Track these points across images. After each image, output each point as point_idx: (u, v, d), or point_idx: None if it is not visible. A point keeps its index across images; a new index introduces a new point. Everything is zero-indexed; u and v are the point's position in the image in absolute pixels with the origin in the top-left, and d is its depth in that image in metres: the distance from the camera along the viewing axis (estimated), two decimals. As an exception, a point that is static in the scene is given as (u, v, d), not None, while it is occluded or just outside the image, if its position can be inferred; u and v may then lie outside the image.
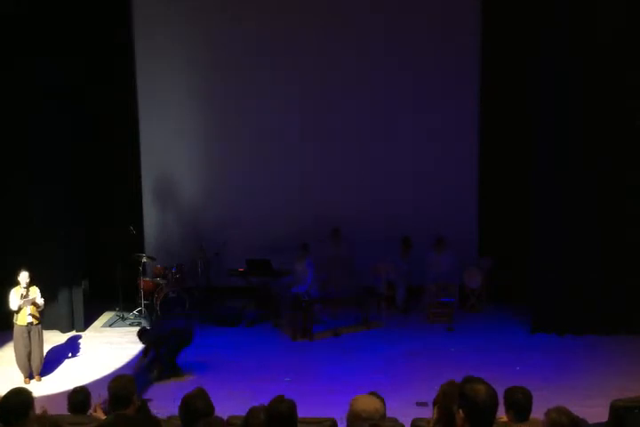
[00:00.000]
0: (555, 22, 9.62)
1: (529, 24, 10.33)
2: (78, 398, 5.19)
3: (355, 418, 3.46)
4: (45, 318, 9.27)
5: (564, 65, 9.62)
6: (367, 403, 3.51)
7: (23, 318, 8.52)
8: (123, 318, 11.11)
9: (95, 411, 5.23)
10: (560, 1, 9.64)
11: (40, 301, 8.63)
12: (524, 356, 9.33)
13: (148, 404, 5.01)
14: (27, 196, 10.23)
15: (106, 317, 11.31)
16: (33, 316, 8.55)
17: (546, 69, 9.72)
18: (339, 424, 5.09)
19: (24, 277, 8.46)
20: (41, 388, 8.25)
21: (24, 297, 8.44)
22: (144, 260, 11.30)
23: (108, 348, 9.96)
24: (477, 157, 11.88)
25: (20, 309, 8.47)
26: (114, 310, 11.45)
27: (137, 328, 10.65)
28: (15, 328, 8.58)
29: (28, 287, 8.49)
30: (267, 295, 11.22)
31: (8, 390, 4.34)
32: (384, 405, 3.63)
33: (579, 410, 4.48)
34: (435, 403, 3.75)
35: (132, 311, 11.26)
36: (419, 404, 7.13)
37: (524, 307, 10.68)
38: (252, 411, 4.18)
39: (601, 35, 9.42)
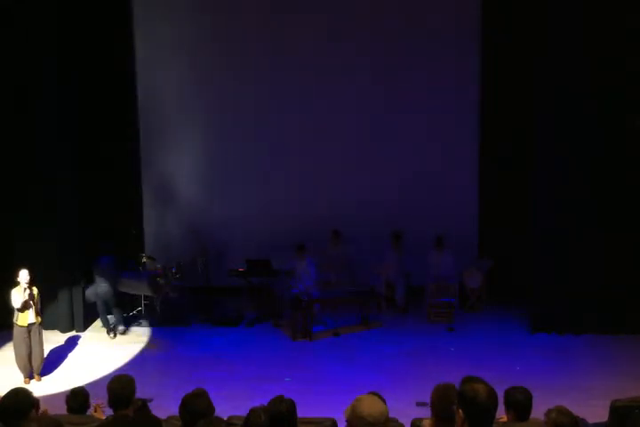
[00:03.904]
0: (563, 22, 9.59)
1: (531, 24, 10.32)
2: (77, 398, 5.19)
3: (360, 422, 3.40)
4: (45, 318, 9.28)
5: (570, 65, 9.60)
6: (372, 406, 3.44)
7: (24, 319, 8.51)
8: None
9: (95, 411, 5.24)
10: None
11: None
12: (523, 356, 9.33)
13: (148, 404, 5.01)
14: (27, 195, 10.23)
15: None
16: (35, 315, 8.56)
17: (552, 69, 9.72)
18: (339, 424, 5.09)
19: (24, 275, 8.45)
20: (41, 388, 8.24)
21: (29, 295, 8.45)
22: (144, 260, 11.30)
23: (108, 348, 9.96)
24: (478, 157, 11.87)
25: (24, 307, 8.45)
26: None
27: (137, 328, 10.73)
28: (15, 329, 8.56)
29: (30, 286, 8.49)
30: (267, 295, 11.23)
31: (8, 390, 4.34)
32: (386, 406, 3.61)
33: (579, 410, 4.49)
34: (430, 406, 3.74)
35: (132, 311, 11.26)
36: (419, 404, 7.11)
37: (524, 307, 10.68)
38: (252, 411, 4.19)
39: (610, 34, 9.41)
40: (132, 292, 11.05)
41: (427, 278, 11.17)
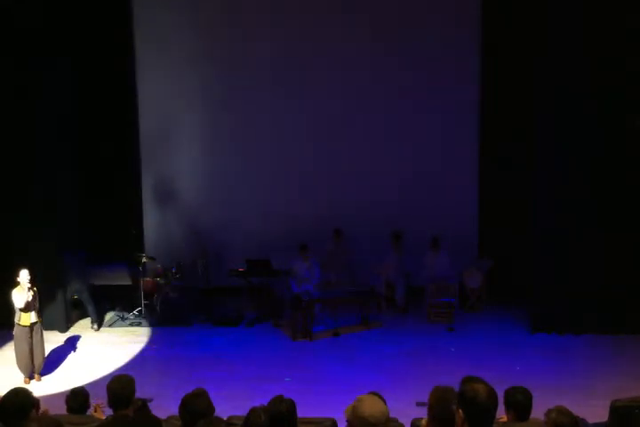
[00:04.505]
0: (563, 22, 9.59)
1: (531, 24, 10.31)
2: (77, 398, 5.19)
3: (361, 422, 3.39)
4: (45, 318, 9.28)
5: (570, 65, 9.60)
6: (374, 406, 3.42)
7: (27, 319, 8.50)
8: (123, 318, 11.12)
9: (95, 411, 5.24)
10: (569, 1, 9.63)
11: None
12: (523, 356, 9.34)
13: (148, 404, 5.01)
14: (27, 196, 10.23)
15: (106, 317, 11.31)
16: (37, 315, 8.58)
17: (552, 69, 9.72)
18: (339, 424, 5.09)
19: (24, 275, 8.45)
20: (41, 388, 8.25)
21: (33, 296, 8.47)
22: (144, 260, 11.31)
23: (108, 348, 9.96)
24: (478, 157, 11.88)
25: (27, 308, 8.44)
26: (114, 309, 11.46)
27: (137, 328, 10.74)
28: (17, 329, 8.55)
29: (32, 286, 8.48)
30: (267, 295, 11.23)
31: (8, 390, 4.34)
32: (387, 406, 3.60)
33: (579, 410, 4.49)
34: (427, 408, 3.74)
35: (131, 311, 11.27)
36: (419, 404, 7.10)
37: (524, 307, 10.68)
38: (252, 411, 4.18)
39: (610, 34, 9.41)
40: (110, 283, 11.02)
41: (422, 279, 11.17)
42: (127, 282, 11.07)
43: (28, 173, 10.21)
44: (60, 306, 10.51)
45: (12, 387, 4.41)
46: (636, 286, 9.81)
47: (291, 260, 10.93)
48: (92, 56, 11.24)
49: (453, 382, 3.71)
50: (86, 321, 10.98)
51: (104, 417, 4.98)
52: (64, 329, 10.55)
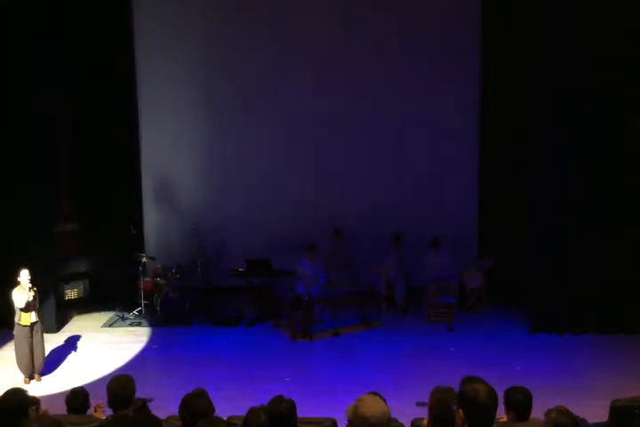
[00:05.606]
0: (563, 22, 9.58)
1: (531, 24, 10.32)
2: (77, 398, 5.20)
3: (362, 422, 3.38)
4: (45, 319, 9.27)
5: (570, 65, 9.60)
6: (375, 406, 3.40)
7: (27, 319, 8.50)
8: (123, 318, 11.12)
9: (95, 411, 5.24)
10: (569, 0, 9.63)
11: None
12: (524, 356, 9.34)
13: (148, 404, 5.01)
14: (27, 196, 10.23)
15: (106, 317, 11.31)
16: (37, 315, 8.57)
17: (552, 69, 9.72)
18: (339, 424, 5.09)
19: (25, 275, 8.44)
20: (41, 388, 8.25)
21: (34, 296, 8.47)
22: (144, 260, 11.30)
23: (108, 348, 9.95)
24: (478, 157, 11.87)
25: (27, 307, 8.43)
26: (114, 309, 11.46)
27: (137, 328, 10.74)
28: (17, 329, 8.54)
29: (33, 286, 8.48)
30: (267, 295, 11.22)
31: (4, 391, 4.34)
32: (388, 406, 3.60)
33: (579, 410, 4.49)
34: (428, 408, 3.74)
35: (131, 311, 11.26)
36: (419, 404, 7.10)
37: (524, 307, 10.68)
38: (252, 411, 4.18)
39: (610, 34, 9.41)
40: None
41: (422, 279, 11.16)
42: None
43: (28, 172, 10.20)
44: (51, 307, 10.44)
45: (10, 387, 4.42)
46: (636, 286, 9.81)
47: (296, 260, 10.90)
48: (93, 56, 11.24)
49: (453, 382, 3.71)
50: (85, 321, 10.99)
51: (104, 417, 4.99)
52: (55, 330, 10.45)
